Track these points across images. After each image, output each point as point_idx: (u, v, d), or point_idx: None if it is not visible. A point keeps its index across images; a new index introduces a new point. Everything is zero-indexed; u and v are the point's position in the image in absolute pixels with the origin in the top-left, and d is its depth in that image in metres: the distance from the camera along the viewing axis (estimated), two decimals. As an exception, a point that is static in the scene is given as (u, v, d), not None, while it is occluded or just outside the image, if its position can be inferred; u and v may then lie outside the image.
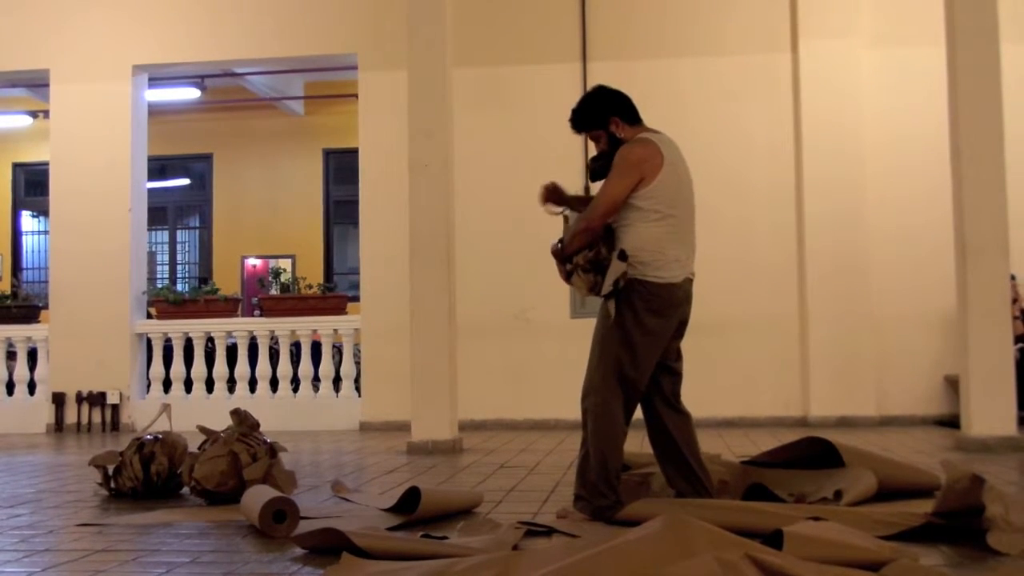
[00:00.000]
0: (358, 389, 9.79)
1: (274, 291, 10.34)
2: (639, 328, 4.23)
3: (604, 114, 4.45)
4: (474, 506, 4.62)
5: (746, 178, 9.44)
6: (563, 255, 4.33)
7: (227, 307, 10.35)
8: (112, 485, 5.36)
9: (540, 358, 9.33)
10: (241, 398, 9.62)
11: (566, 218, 4.52)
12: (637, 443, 7.51)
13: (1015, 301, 7.90)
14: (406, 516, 4.33)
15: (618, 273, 4.16)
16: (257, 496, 4.27)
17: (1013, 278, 7.70)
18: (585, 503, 4.27)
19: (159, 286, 11.63)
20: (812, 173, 9.24)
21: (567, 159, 9.49)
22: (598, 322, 4.38)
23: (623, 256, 4.19)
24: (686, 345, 4.51)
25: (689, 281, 4.38)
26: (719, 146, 9.45)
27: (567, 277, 4.37)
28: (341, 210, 14.58)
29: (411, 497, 4.47)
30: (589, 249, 4.27)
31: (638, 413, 4.41)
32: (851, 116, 9.24)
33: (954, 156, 7.12)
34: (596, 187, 4.46)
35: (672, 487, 4.41)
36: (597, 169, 4.48)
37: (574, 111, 4.54)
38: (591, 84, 9.83)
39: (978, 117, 6.97)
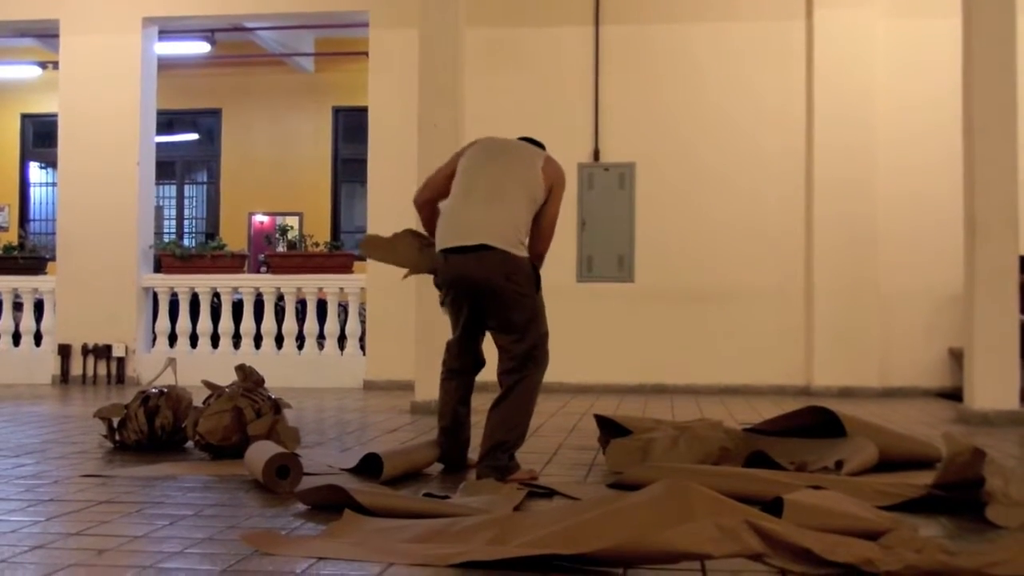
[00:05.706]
0: (363, 347, 9.82)
1: (281, 248, 10.33)
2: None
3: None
4: (433, 458, 4.68)
5: (757, 144, 9.39)
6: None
7: (233, 263, 10.35)
8: (116, 438, 5.39)
9: (545, 321, 9.31)
10: (246, 354, 9.63)
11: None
12: (639, 408, 7.53)
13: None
14: (374, 479, 4.32)
15: None
16: (261, 451, 4.29)
17: None
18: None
19: (166, 240, 11.62)
20: (823, 141, 9.19)
21: (577, 121, 9.46)
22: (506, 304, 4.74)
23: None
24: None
25: None
26: (731, 111, 9.42)
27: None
28: (349, 168, 14.52)
29: (373, 460, 4.48)
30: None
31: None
32: (864, 85, 9.18)
33: (966, 130, 7.06)
34: None
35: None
36: None
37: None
38: (604, 47, 9.80)
39: (992, 90, 6.90)
